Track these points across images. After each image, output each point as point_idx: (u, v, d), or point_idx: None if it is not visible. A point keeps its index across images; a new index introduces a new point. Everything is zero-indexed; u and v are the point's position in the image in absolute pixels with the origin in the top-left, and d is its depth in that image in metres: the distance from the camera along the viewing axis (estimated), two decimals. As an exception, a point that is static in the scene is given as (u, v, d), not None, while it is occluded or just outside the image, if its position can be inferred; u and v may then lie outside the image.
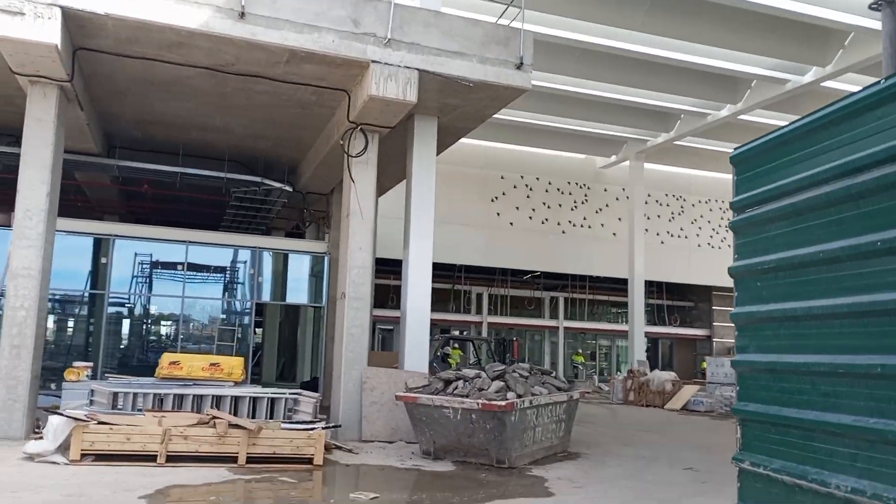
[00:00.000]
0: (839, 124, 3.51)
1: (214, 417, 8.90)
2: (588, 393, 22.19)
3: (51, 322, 17.12)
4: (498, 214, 27.34)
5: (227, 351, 16.43)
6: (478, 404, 9.24)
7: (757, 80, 19.99)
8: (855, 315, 3.23)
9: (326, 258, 17.68)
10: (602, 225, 28.55)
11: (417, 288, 12.44)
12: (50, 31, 9.39)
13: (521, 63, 11.71)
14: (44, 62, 9.87)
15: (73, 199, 19.94)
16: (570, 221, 28.15)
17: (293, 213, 20.41)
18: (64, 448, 8.32)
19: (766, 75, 19.07)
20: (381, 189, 18.55)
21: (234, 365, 11.28)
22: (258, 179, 16.35)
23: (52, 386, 12.94)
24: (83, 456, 8.28)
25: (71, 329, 17.75)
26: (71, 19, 9.74)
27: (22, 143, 10.52)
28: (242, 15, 10.23)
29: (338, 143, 12.51)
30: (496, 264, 27.89)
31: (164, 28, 10.08)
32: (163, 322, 18.11)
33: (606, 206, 28.72)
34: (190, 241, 16.46)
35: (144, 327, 17.91)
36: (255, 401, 10.09)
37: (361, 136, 12.12)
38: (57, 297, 16.73)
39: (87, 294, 16.89)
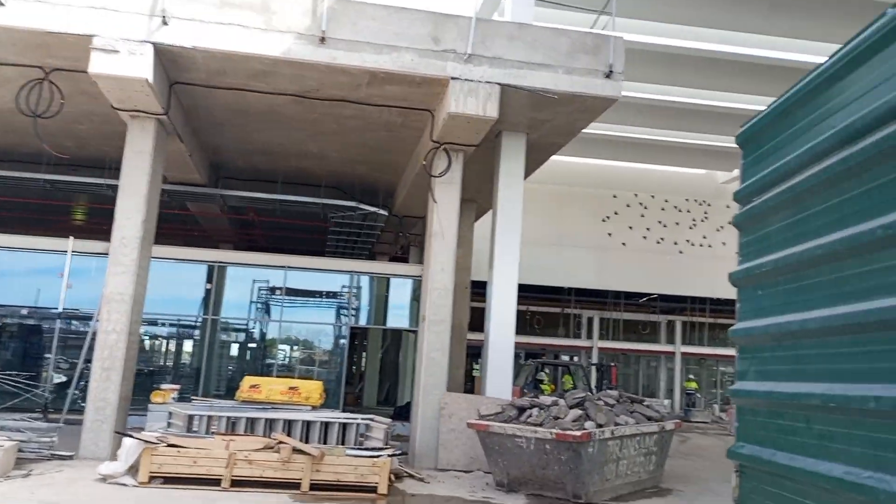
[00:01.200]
0: (843, 78, 2.79)
1: (280, 442, 8.83)
2: (706, 423, 20.64)
3: (165, 346, 18.09)
4: (609, 234, 26.30)
5: (324, 375, 16.62)
6: (551, 434, 8.65)
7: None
8: (854, 329, 2.50)
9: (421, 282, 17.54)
10: (724, 244, 26.69)
11: (501, 310, 11.99)
12: (143, 67, 9.87)
13: (611, 72, 11.11)
14: (139, 97, 10.40)
15: (189, 230, 21.17)
16: (688, 240, 26.60)
17: (393, 238, 20.55)
18: (135, 470, 8.52)
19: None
20: (481, 210, 18.33)
21: (311, 389, 11.25)
22: (353, 204, 16.54)
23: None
24: (152, 478, 8.44)
25: (183, 353, 18.60)
26: (163, 54, 10.22)
27: (121, 174, 11.09)
28: (323, 40, 10.36)
29: (422, 164, 12.38)
30: (608, 287, 26.77)
31: (249, 58, 10.38)
32: (259, 346, 18.59)
33: (729, 223, 26.88)
34: (289, 267, 16.82)
35: (246, 351, 18.47)
36: (326, 426, 9.98)
37: (444, 155, 11.92)
38: (171, 322, 17.63)
39: (199, 319, 17.59)
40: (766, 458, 3.06)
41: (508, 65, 10.89)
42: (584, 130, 13.04)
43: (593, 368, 20.49)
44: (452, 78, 10.69)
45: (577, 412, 9.15)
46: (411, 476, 10.00)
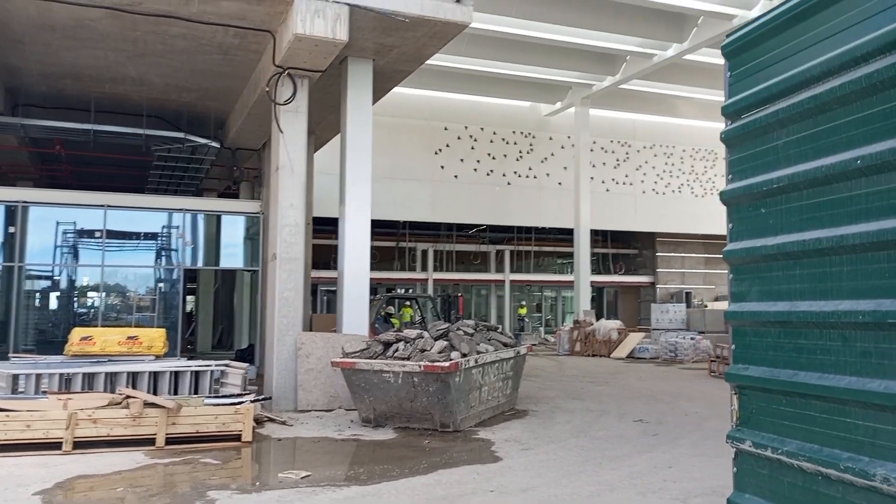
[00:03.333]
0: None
1: (128, 397, 8.07)
2: (535, 345, 21.98)
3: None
4: (442, 167, 26.53)
5: (154, 322, 15.43)
6: (419, 367, 8.65)
7: (704, 17, 19.29)
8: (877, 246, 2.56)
9: (261, 218, 16.67)
10: (548, 175, 28.01)
11: (355, 245, 11.68)
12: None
13: (462, -4, 10.86)
14: None
15: (-20, 164, 18.48)
16: (515, 172, 27.51)
17: (225, 173, 19.25)
18: (-46, 440, 7.42)
19: (714, 11, 18.39)
20: (319, 142, 17.61)
21: (154, 337, 10.39)
22: (181, 135, 15.17)
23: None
24: (-23, 447, 7.40)
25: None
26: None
27: None
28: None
29: (264, 90, 11.52)
30: (442, 219, 27.18)
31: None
32: (83, 295, 16.85)
33: (552, 154, 28.12)
34: (109, 206, 15.24)
35: (64, 301, 16.65)
36: (177, 375, 9.28)
37: (289, 81, 11.15)
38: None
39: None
40: (768, 377, 3.11)
41: (358, -15, 10.30)
42: (415, 61, 12.80)
43: (439, 300, 20.84)
44: (298, -5, 9.93)
45: (442, 343, 9.21)
46: (272, 420, 9.63)
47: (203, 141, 15.40)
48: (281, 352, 10.78)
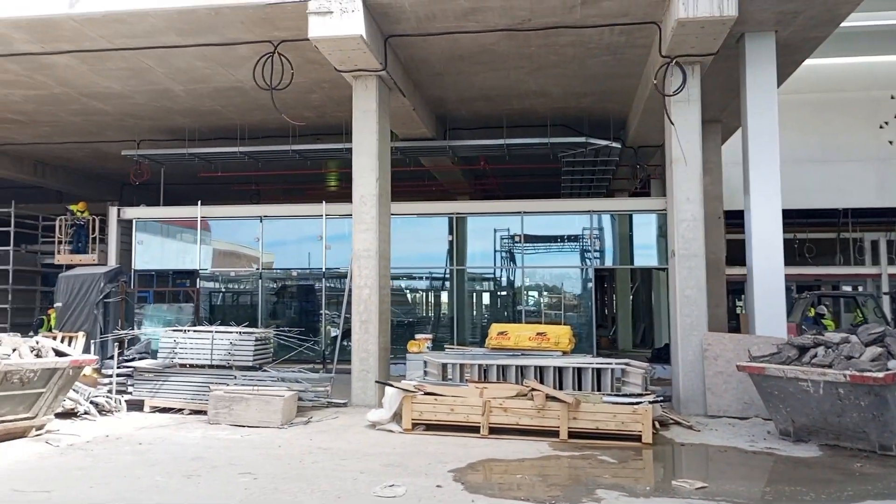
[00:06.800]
0: None
1: (533, 389, 8.53)
2: None
3: (419, 298, 18.86)
4: (891, 143, 22.37)
5: (574, 319, 16.19)
6: (844, 376, 7.35)
7: None
8: None
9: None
10: None
11: (762, 238, 10.57)
12: (355, 24, 9.87)
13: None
14: (357, 55, 10.49)
15: (428, 185, 21.77)
16: None
17: (629, 172, 19.31)
18: (398, 417, 8.76)
19: None
20: (727, 131, 16.50)
21: (560, 334, 10.84)
22: (582, 140, 15.65)
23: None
24: (414, 425, 8.62)
25: (435, 303, 19.23)
26: (373, 8, 10.14)
27: (353, 135, 11.40)
28: (526, -39, 9.62)
29: (653, 84, 11.18)
30: (892, 204, 22.88)
31: (453, -5, 9.97)
32: (506, 293, 18.58)
33: None
34: (525, 212, 16.51)
35: (492, 300, 18.59)
36: (579, 372, 9.48)
37: (678, 70, 10.61)
38: (422, 275, 18.30)
39: (447, 270, 17.99)
40: None
41: (743, -53, 9.28)
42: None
43: (886, 298, 17.51)
44: (676, -23, 9.36)
45: (875, 350, 7.67)
46: (678, 423, 9.21)
47: (603, 143, 15.63)
48: (686, 352, 10.26)
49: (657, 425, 8.72)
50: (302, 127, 15.61)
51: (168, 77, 13.12)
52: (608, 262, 17.96)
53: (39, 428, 8.22)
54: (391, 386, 8.97)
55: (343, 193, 19.23)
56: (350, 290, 11.19)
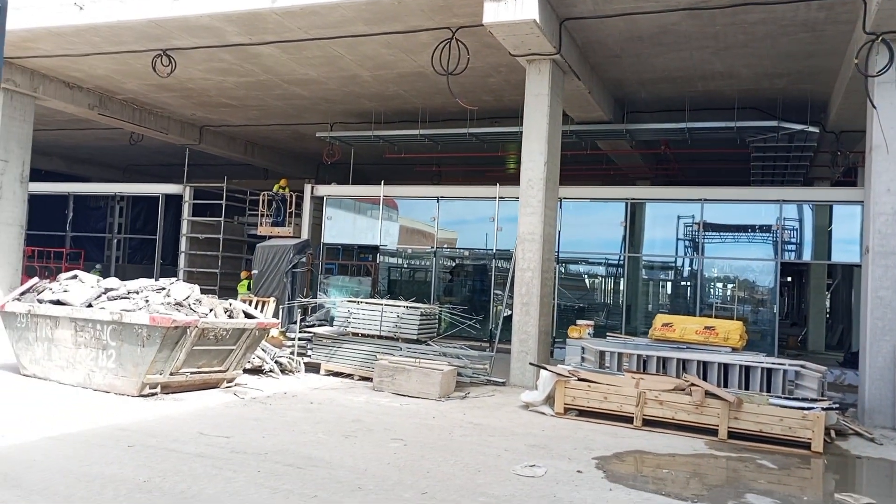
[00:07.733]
0: None
1: (692, 384, 8.24)
2: None
3: (590, 283, 18.66)
4: None
5: (753, 315, 15.23)
6: None
7: None
8: None
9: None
10: None
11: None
12: (529, 9, 9.94)
13: None
14: (530, 39, 10.55)
15: (605, 169, 21.36)
16: None
17: (829, 159, 17.61)
18: (551, 400, 8.85)
19: None
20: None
21: (731, 329, 10.29)
22: (773, 124, 14.53)
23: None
24: (566, 410, 8.67)
25: (604, 289, 18.91)
26: (546, -9, 10.18)
27: (523, 119, 11.51)
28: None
29: (854, 63, 10.15)
30: None
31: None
32: (681, 284, 17.80)
33: None
34: (706, 200, 15.71)
35: (667, 289, 17.89)
36: (748, 370, 8.98)
37: (884, 48, 9.57)
38: (592, 260, 18.09)
39: (620, 257, 17.62)
40: None
41: None
42: None
43: None
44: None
45: None
46: (858, 434, 8.47)
47: (799, 127, 14.41)
48: (874, 359, 9.35)
49: (832, 434, 8.09)
50: (480, 110, 15.98)
51: (356, 63, 14.00)
52: (800, 257, 16.62)
53: (230, 381, 9.30)
54: (545, 369, 9.06)
55: (518, 176, 19.50)
56: (514, 273, 11.37)
